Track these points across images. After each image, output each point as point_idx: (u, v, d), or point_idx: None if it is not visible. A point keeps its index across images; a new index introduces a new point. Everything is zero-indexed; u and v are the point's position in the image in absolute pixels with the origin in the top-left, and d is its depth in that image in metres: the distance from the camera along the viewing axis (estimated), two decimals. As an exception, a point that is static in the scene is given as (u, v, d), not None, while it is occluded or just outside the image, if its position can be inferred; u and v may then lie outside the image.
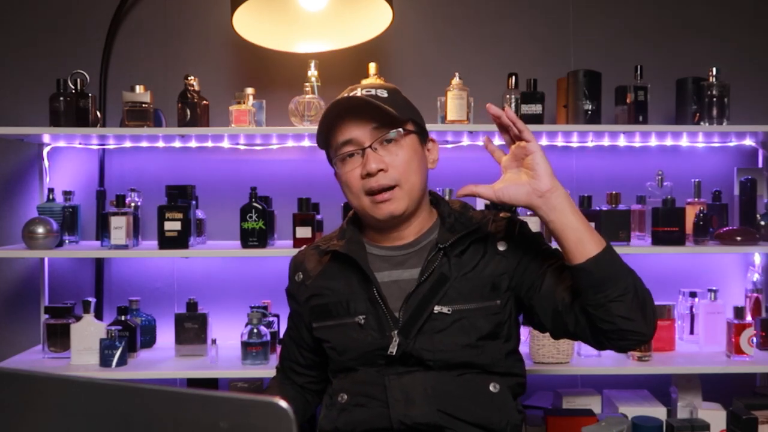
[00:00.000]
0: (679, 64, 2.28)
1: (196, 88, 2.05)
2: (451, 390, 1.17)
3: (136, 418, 0.62)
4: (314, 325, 1.27)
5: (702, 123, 2.06)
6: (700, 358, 2.01)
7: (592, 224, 1.21)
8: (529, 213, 2.02)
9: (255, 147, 2.27)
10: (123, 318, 2.03)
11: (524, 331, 1.86)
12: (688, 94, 2.09)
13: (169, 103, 2.16)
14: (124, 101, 2.00)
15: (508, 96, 2.08)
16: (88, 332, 1.97)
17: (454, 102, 2.02)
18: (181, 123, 2.04)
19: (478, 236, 1.22)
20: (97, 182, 2.26)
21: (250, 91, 2.06)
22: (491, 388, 1.18)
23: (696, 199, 2.13)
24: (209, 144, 2.24)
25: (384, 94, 1.20)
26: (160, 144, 2.21)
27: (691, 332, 2.17)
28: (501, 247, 1.22)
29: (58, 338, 2.03)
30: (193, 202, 2.08)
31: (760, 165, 2.28)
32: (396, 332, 1.17)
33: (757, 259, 2.23)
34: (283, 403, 0.57)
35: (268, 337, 1.98)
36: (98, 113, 2.12)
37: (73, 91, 2.03)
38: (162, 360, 2.03)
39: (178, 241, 1.98)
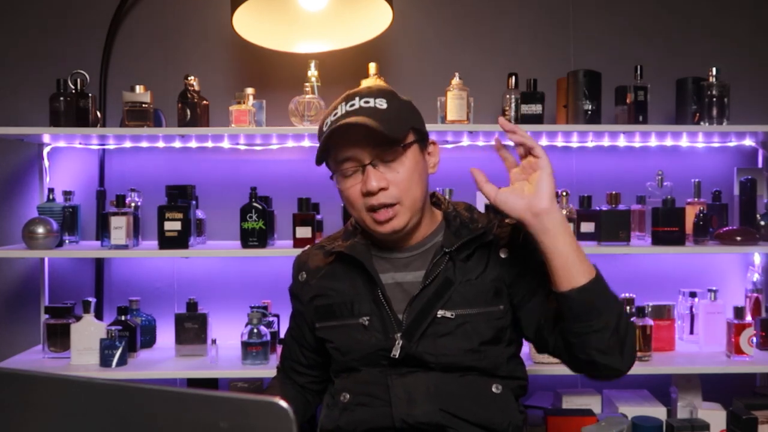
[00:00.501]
0: (679, 64, 2.28)
1: (196, 88, 2.05)
2: (453, 390, 1.17)
3: (136, 418, 0.62)
4: (317, 325, 1.27)
5: (702, 123, 2.06)
6: (700, 358, 2.01)
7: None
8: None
9: (255, 147, 2.27)
10: (123, 318, 2.03)
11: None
12: (688, 94, 2.09)
13: (169, 103, 2.16)
14: (124, 101, 2.00)
15: (508, 96, 2.08)
16: (88, 332, 1.97)
17: (454, 102, 2.02)
18: (181, 123, 2.04)
19: (484, 241, 1.21)
20: (97, 182, 2.26)
21: (250, 91, 2.06)
22: (493, 389, 1.18)
23: (696, 199, 2.13)
24: (209, 144, 2.24)
25: (383, 104, 1.17)
26: (160, 144, 2.21)
27: (691, 332, 2.17)
28: (503, 254, 1.21)
29: (58, 338, 2.03)
30: (193, 202, 2.08)
31: (760, 165, 2.28)
32: (399, 335, 1.17)
33: (757, 259, 2.23)
34: (283, 403, 0.57)
35: (268, 337, 1.98)
36: (98, 113, 2.12)
37: (73, 91, 2.03)
38: (162, 360, 2.03)
39: (178, 241, 1.98)
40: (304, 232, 2.00)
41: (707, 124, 2.05)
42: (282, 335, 2.07)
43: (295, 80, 2.16)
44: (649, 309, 2.06)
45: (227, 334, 2.18)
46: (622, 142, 2.25)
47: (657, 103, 2.18)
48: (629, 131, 2.07)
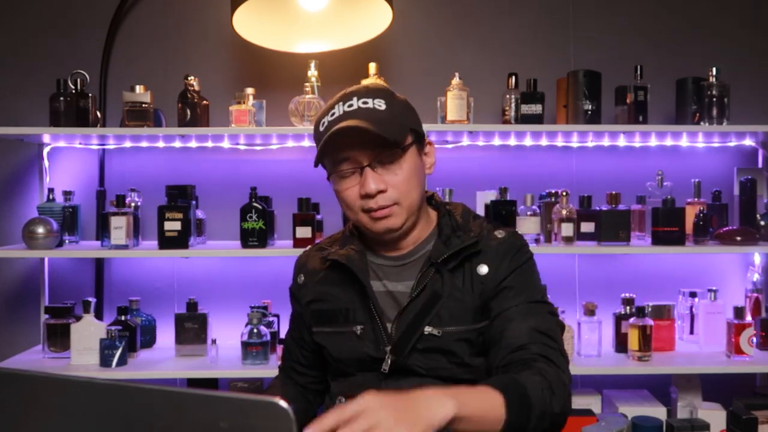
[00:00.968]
0: (679, 64, 2.28)
1: (196, 88, 2.05)
2: None
3: (136, 418, 0.62)
4: (314, 330, 1.27)
5: (702, 123, 2.06)
6: (700, 358, 2.01)
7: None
8: (528, 213, 2.02)
9: (255, 147, 2.27)
10: (123, 318, 2.03)
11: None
12: (688, 94, 2.09)
13: (169, 103, 2.16)
14: (124, 101, 2.00)
15: (508, 96, 2.08)
16: (88, 332, 1.97)
17: (454, 102, 2.02)
18: (181, 123, 2.04)
19: (473, 251, 1.18)
20: (97, 182, 2.26)
21: (250, 91, 2.06)
22: None
23: (696, 199, 2.13)
24: (209, 144, 2.24)
25: (381, 105, 1.14)
26: (160, 144, 2.21)
27: (691, 332, 2.17)
28: (480, 270, 1.17)
29: (58, 338, 2.03)
30: (193, 202, 2.08)
31: (760, 165, 2.28)
32: (389, 349, 1.16)
33: (757, 259, 2.23)
34: (283, 403, 0.57)
35: (268, 337, 1.98)
36: (98, 113, 2.12)
37: (73, 91, 2.03)
38: (162, 360, 2.03)
39: (178, 241, 1.98)
40: (304, 232, 2.00)
41: (707, 124, 2.05)
42: (282, 335, 2.08)
43: (295, 80, 2.16)
44: (649, 309, 2.06)
45: (227, 334, 2.18)
46: (622, 142, 2.25)
47: (657, 103, 2.17)
48: (629, 131, 2.07)
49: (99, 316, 2.19)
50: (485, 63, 2.31)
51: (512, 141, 2.23)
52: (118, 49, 2.30)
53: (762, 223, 2.10)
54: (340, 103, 1.16)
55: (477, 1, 2.32)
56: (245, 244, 2.00)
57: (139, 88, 2.00)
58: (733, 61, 2.29)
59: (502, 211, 2.00)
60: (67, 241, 2.12)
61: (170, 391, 0.62)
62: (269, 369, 1.94)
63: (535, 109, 2.05)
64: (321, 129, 1.18)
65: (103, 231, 2.04)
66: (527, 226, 2.00)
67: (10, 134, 2.02)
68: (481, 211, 2.07)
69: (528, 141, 2.24)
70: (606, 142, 2.26)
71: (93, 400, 0.64)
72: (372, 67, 2.07)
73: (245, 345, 1.95)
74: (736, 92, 2.16)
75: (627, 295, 2.11)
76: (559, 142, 2.26)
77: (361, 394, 0.97)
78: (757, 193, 2.16)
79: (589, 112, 2.05)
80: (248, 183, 2.10)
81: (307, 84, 2.05)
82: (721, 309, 2.08)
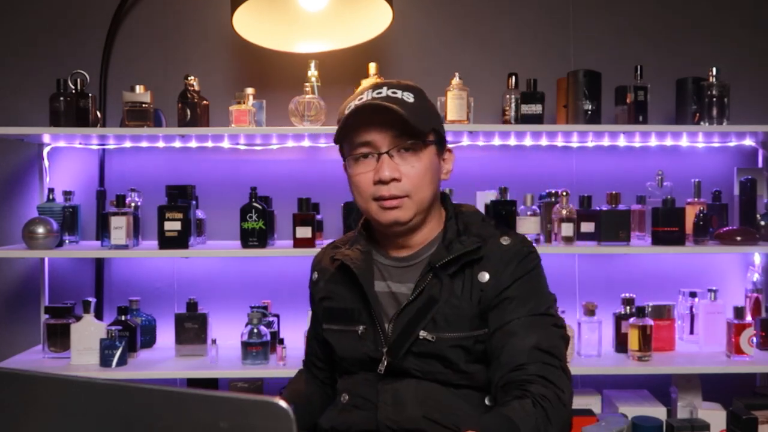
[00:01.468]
0: (679, 64, 2.28)
1: (196, 88, 2.05)
2: (443, 399, 1.15)
3: (136, 418, 0.62)
4: (324, 327, 1.28)
5: (702, 123, 2.06)
6: (700, 358, 2.01)
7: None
8: (528, 213, 2.02)
9: (255, 147, 2.27)
10: (123, 318, 2.03)
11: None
12: (688, 94, 2.09)
13: (169, 103, 2.16)
14: (124, 101, 2.00)
15: (508, 96, 2.08)
16: (88, 332, 1.97)
17: (454, 102, 2.02)
18: (181, 123, 2.04)
19: (475, 258, 1.16)
20: (97, 182, 2.26)
21: (250, 91, 2.06)
22: (486, 401, 1.16)
23: (696, 199, 2.13)
24: (209, 144, 2.24)
25: (410, 98, 1.15)
26: (160, 144, 2.21)
27: (691, 332, 2.17)
28: (482, 278, 1.15)
29: (58, 338, 2.03)
30: (193, 202, 2.08)
31: (760, 165, 2.28)
32: (385, 350, 1.16)
33: (757, 259, 2.23)
34: (283, 403, 0.57)
35: (268, 337, 1.98)
36: (98, 113, 2.12)
37: (73, 91, 2.03)
38: (162, 360, 2.03)
39: (178, 241, 1.98)
40: (304, 232, 2.00)
41: (707, 124, 2.05)
42: (282, 335, 2.08)
43: (295, 80, 2.16)
44: (649, 309, 2.05)
45: (227, 334, 2.18)
46: (622, 142, 2.25)
47: (657, 103, 2.17)
48: (629, 131, 2.07)
49: (99, 316, 2.19)
50: (485, 63, 2.31)
51: (512, 141, 2.23)
52: (118, 49, 2.30)
53: (762, 223, 2.10)
54: (370, 90, 1.17)
55: (477, 1, 2.32)
56: (245, 244, 2.00)
57: (139, 88, 2.00)
58: (733, 61, 2.29)
59: (502, 211, 2.00)
60: (67, 241, 2.12)
61: (170, 391, 0.62)
62: (269, 369, 1.94)
63: (535, 109, 2.05)
64: (346, 112, 1.17)
65: (103, 231, 2.04)
66: (527, 226, 2.00)
67: (10, 134, 2.02)
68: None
69: (528, 141, 2.24)
70: (606, 142, 2.26)
71: (93, 400, 0.64)
72: (372, 67, 2.07)
73: (245, 345, 1.95)
74: (736, 92, 2.16)
75: (627, 295, 2.11)
76: (559, 142, 2.26)
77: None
78: (757, 193, 2.16)
79: (589, 112, 2.05)
80: (248, 183, 2.10)
81: (307, 84, 2.05)
82: (721, 309, 2.08)
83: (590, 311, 2.02)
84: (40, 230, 1.98)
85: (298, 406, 1.34)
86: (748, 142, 2.25)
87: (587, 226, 2.03)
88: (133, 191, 2.14)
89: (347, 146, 1.19)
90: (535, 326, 1.12)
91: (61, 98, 2.00)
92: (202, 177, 2.26)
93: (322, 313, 1.29)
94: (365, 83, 2.04)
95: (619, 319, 2.08)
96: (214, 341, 2.02)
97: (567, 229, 2.01)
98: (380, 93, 1.15)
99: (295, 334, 2.13)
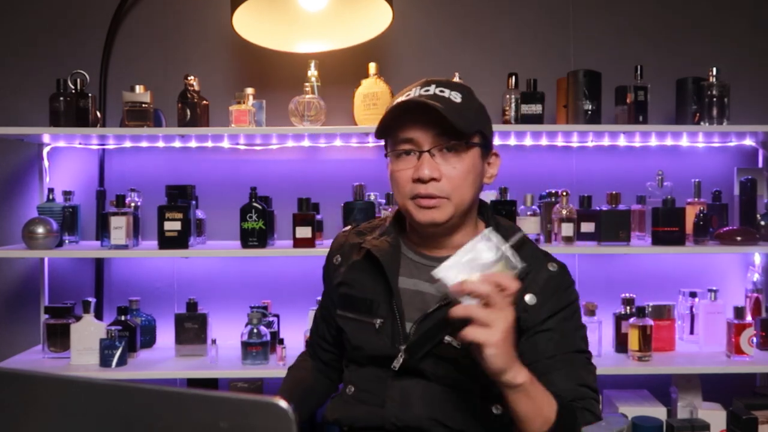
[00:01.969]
0: (679, 64, 2.28)
1: (196, 88, 2.05)
2: (451, 403, 1.15)
3: (136, 418, 0.62)
4: (338, 312, 1.27)
5: (702, 123, 2.06)
6: (700, 358, 2.01)
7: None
8: (528, 213, 2.02)
9: (255, 147, 2.27)
10: (123, 318, 2.03)
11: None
12: (688, 94, 2.09)
13: (169, 103, 2.16)
14: (124, 101, 2.00)
15: (508, 96, 2.08)
16: (88, 332, 1.97)
17: (454, 102, 2.02)
18: (181, 123, 2.04)
19: (521, 278, 1.11)
20: (97, 182, 2.26)
21: (250, 91, 2.06)
22: (494, 410, 1.16)
23: (696, 199, 2.13)
24: (209, 144, 2.24)
25: (457, 98, 1.12)
26: (160, 144, 2.21)
27: (691, 332, 2.17)
28: (529, 300, 1.13)
29: (58, 338, 2.03)
30: (193, 202, 2.08)
31: (760, 165, 2.28)
32: (403, 348, 1.15)
33: (757, 259, 2.23)
34: (283, 403, 0.57)
35: (268, 337, 1.98)
36: (98, 113, 2.12)
37: (73, 91, 2.03)
38: (162, 360, 2.03)
39: (178, 241, 1.98)
40: (304, 232, 2.00)
41: (707, 124, 2.05)
42: (282, 335, 2.08)
43: (295, 80, 2.16)
44: (649, 309, 2.06)
45: (227, 334, 2.18)
46: (622, 142, 2.25)
47: (657, 103, 2.17)
48: (629, 131, 2.07)
49: (99, 316, 2.19)
50: (485, 63, 2.31)
51: (512, 141, 2.23)
52: (118, 49, 2.30)
53: (762, 223, 2.10)
54: (417, 87, 1.15)
55: (477, 1, 2.32)
56: (245, 244, 2.00)
57: (139, 88, 2.00)
58: (733, 61, 2.29)
59: (502, 211, 2.00)
60: (67, 241, 2.12)
61: (170, 391, 0.62)
62: (269, 369, 1.94)
63: (535, 109, 2.05)
64: (392, 106, 1.16)
65: (103, 231, 2.04)
66: (527, 226, 2.00)
67: (10, 134, 2.02)
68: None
69: (528, 141, 2.24)
70: (606, 142, 2.26)
71: (93, 400, 0.64)
72: (372, 67, 2.07)
73: (245, 345, 1.95)
74: (736, 92, 2.16)
75: (627, 295, 2.11)
76: (559, 142, 2.26)
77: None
78: (757, 193, 2.16)
79: (589, 112, 2.05)
80: (248, 183, 2.10)
81: (307, 84, 2.05)
82: (721, 309, 2.08)
83: (590, 311, 2.02)
84: (40, 230, 1.98)
85: (299, 394, 1.34)
86: (748, 142, 2.25)
87: (587, 226, 2.03)
88: (133, 191, 2.14)
89: (390, 142, 1.18)
90: (576, 364, 1.13)
91: (61, 98, 2.00)
92: (202, 177, 2.26)
93: (337, 298, 1.27)
94: (364, 82, 2.04)
95: (619, 319, 2.08)
96: (214, 341, 2.02)
97: (567, 229, 2.01)
98: (427, 90, 1.13)
99: (295, 334, 2.13)
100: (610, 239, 2.01)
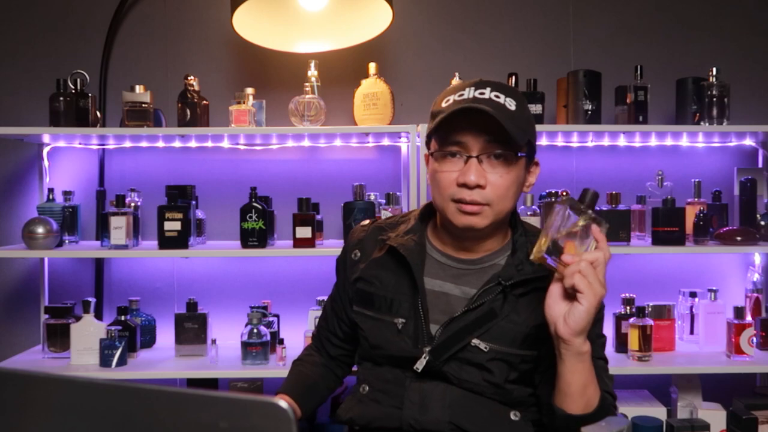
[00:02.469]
0: (679, 64, 2.28)
1: (196, 88, 2.05)
2: (469, 407, 1.15)
3: (136, 418, 0.62)
4: (355, 308, 1.25)
5: (702, 123, 2.06)
6: (700, 358, 2.01)
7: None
8: (528, 213, 2.02)
9: (255, 147, 2.27)
10: (123, 318, 2.03)
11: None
12: (688, 94, 2.09)
13: (169, 103, 2.16)
14: (124, 101, 2.00)
15: (508, 96, 2.08)
16: (88, 332, 1.97)
17: (454, 102, 2.01)
18: (181, 123, 2.04)
19: (543, 284, 1.11)
20: (97, 182, 2.26)
21: (250, 91, 2.06)
22: (512, 416, 1.16)
23: (696, 199, 2.13)
24: (209, 144, 2.24)
25: (512, 105, 1.10)
26: (160, 144, 2.21)
27: (691, 332, 2.17)
28: None
29: (58, 338, 2.03)
30: (193, 202, 2.08)
31: (760, 165, 2.28)
32: (428, 350, 1.14)
33: (757, 259, 2.23)
34: (283, 404, 0.57)
35: (268, 337, 1.98)
36: (98, 113, 2.12)
37: (73, 91, 2.03)
38: (162, 360, 2.03)
39: (178, 241, 1.98)
40: (304, 232, 1.99)
41: (707, 124, 2.05)
42: (282, 335, 2.08)
43: (295, 80, 2.16)
44: (649, 309, 2.06)
45: (227, 334, 2.18)
46: (622, 142, 2.25)
47: (657, 103, 2.18)
48: (629, 131, 2.07)
49: (99, 316, 2.19)
50: (485, 63, 2.31)
51: (512, 141, 2.23)
52: (118, 49, 2.30)
53: (762, 223, 2.10)
54: (472, 88, 1.12)
55: (477, 1, 2.32)
56: (245, 244, 2.00)
57: (139, 88, 2.00)
58: (733, 61, 2.29)
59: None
60: (67, 241, 2.12)
61: (170, 391, 0.62)
62: (269, 369, 1.94)
63: (535, 109, 2.05)
64: (444, 105, 1.13)
65: (103, 231, 2.04)
66: (527, 226, 2.00)
67: (10, 134, 2.02)
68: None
69: (528, 141, 2.24)
70: (606, 142, 2.26)
71: (93, 400, 0.64)
72: (372, 67, 2.07)
73: (245, 345, 1.95)
74: (736, 92, 2.16)
75: (627, 295, 2.11)
76: (559, 142, 2.26)
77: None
78: (757, 193, 2.16)
79: (589, 112, 2.05)
80: (248, 183, 2.10)
81: (307, 84, 2.05)
82: (721, 309, 2.08)
83: (590, 311, 2.01)
84: (40, 230, 1.98)
85: (303, 391, 1.32)
86: (748, 142, 2.25)
87: (587, 226, 2.02)
88: (132, 191, 2.14)
89: (437, 140, 1.15)
90: (599, 370, 1.13)
91: (61, 98, 2.00)
92: (202, 177, 2.26)
93: (354, 294, 1.25)
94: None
95: (619, 319, 2.08)
96: (214, 341, 2.02)
97: (567, 229, 2.01)
98: (483, 94, 1.11)
99: (295, 334, 2.13)
100: (610, 239, 1.98)
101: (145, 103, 2.00)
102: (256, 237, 1.99)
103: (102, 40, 2.26)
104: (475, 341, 1.13)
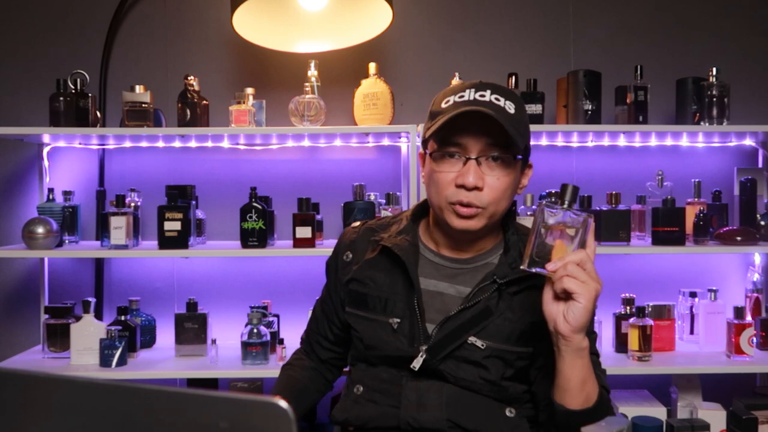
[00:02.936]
0: (679, 64, 2.28)
1: (196, 88, 2.05)
2: (465, 404, 1.15)
3: (136, 418, 0.62)
4: (348, 310, 1.25)
5: (702, 123, 2.06)
6: (700, 358, 2.01)
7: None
8: (528, 213, 2.02)
9: (255, 147, 2.27)
10: (123, 318, 2.03)
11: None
12: (688, 94, 2.09)
13: (169, 103, 2.16)
14: (124, 101, 2.00)
15: (508, 96, 2.08)
16: (88, 332, 1.97)
17: (454, 102, 2.01)
18: (181, 123, 2.04)
19: (538, 282, 1.11)
20: (97, 182, 2.26)
21: (250, 91, 2.06)
22: (507, 412, 1.17)
23: (696, 199, 2.13)
24: (209, 144, 2.24)
25: (512, 108, 1.11)
26: (160, 144, 2.21)
27: (691, 332, 2.17)
28: None
29: (58, 338, 2.03)
30: (193, 202, 2.08)
31: (760, 165, 2.28)
32: (424, 348, 1.15)
33: (757, 259, 2.23)
34: (283, 404, 0.57)
35: (268, 337, 1.98)
36: (98, 113, 2.12)
37: (73, 91, 2.03)
38: (162, 360, 2.03)
39: (178, 241, 1.98)
40: (304, 232, 1.99)
41: (707, 124, 2.05)
42: (282, 335, 2.08)
43: (295, 80, 2.16)
44: (649, 309, 2.06)
45: (227, 334, 2.18)
46: (622, 142, 2.25)
47: (657, 103, 2.18)
48: (629, 131, 2.07)
49: (99, 316, 2.19)
50: (485, 63, 2.31)
51: (512, 141, 2.23)
52: (118, 49, 2.30)
53: (762, 223, 2.10)
54: (472, 90, 1.13)
55: (477, 1, 2.32)
56: (245, 244, 2.00)
57: (139, 88, 2.00)
58: (733, 61, 2.29)
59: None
60: (67, 241, 2.12)
61: (170, 391, 0.61)
62: (269, 369, 1.94)
63: (535, 109, 2.05)
64: (444, 105, 1.13)
65: (103, 231, 2.04)
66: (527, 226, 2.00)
67: (10, 134, 2.02)
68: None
69: (528, 141, 2.24)
70: (606, 142, 2.26)
71: (93, 400, 0.64)
72: (372, 67, 2.07)
73: (245, 345, 1.95)
74: (736, 92, 2.16)
75: (627, 295, 2.11)
76: (559, 142, 2.26)
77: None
78: (757, 193, 2.16)
79: (589, 112, 2.05)
80: (248, 183, 2.10)
81: (307, 84, 2.05)
82: (721, 309, 2.08)
83: (590, 311, 2.02)
84: (40, 230, 1.98)
85: (292, 395, 1.32)
86: (748, 142, 2.25)
87: (587, 226, 2.03)
88: (132, 191, 2.14)
89: (436, 141, 1.15)
90: (594, 366, 1.13)
91: (61, 98, 2.00)
92: (202, 177, 2.26)
93: (347, 295, 1.25)
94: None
95: (619, 319, 2.08)
96: (213, 341, 2.02)
97: (567, 229, 2.01)
98: (483, 96, 1.11)
99: (295, 334, 2.12)
100: (610, 239, 2.01)
101: (145, 103, 2.00)
102: (256, 237, 1.99)
103: (102, 40, 2.26)
104: (471, 339, 1.14)
